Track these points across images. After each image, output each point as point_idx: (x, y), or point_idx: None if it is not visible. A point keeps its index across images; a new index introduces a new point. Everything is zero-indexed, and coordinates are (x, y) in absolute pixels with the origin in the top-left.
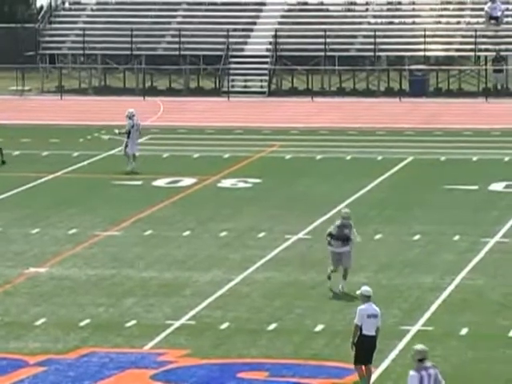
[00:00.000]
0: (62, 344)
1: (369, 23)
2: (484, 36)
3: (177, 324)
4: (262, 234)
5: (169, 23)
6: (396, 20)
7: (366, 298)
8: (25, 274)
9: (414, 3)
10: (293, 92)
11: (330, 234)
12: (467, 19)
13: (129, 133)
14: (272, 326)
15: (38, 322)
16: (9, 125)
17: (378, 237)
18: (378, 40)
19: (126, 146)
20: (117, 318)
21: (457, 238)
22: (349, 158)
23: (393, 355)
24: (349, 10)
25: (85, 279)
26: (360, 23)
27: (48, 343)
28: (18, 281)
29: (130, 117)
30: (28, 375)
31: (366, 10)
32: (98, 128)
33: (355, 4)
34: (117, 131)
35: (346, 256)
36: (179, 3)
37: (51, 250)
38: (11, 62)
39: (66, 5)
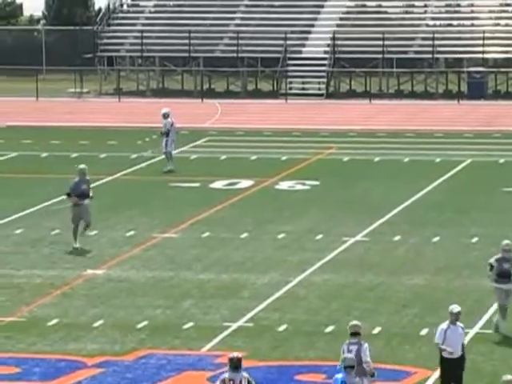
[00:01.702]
0: (119, 346)
1: (427, 25)
2: None
3: (234, 326)
4: (319, 236)
5: (227, 25)
6: (454, 22)
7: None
8: (83, 275)
9: (472, 5)
10: (351, 94)
11: (491, 266)
12: None
13: (167, 132)
14: (329, 329)
15: (96, 324)
16: (67, 127)
17: (435, 239)
18: (436, 42)
19: (166, 145)
20: (174, 320)
21: None
22: (407, 160)
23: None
24: (407, 12)
25: (143, 281)
26: (418, 25)
27: (106, 345)
28: (76, 282)
29: (166, 116)
30: (86, 377)
31: (425, 12)
32: (156, 130)
33: (413, 6)
34: (154, 136)
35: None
36: (237, 5)
37: (109, 251)
38: (70, 64)
39: (125, 7)
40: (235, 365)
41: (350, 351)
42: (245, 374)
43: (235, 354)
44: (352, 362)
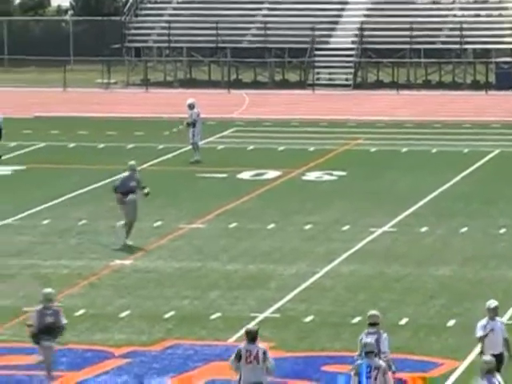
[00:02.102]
0: (146, 336)
1: (455, 15)
2: None
3: (261, 317)
4: (346, 227)
5: (254, 16)
6: (483, 12)
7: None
8: (110, 266)
9: None
10: (378, 85)
11: None
12: None
13: (194, 123)
14: (356, 320)
15: (123, 314)
16: (94, 117)
17: (463, 230)
18: (464, 33)
19: (193, 135)
20: (201, 310)
21: None
22: (434, 151)
23: (478, 350)
24: (435, 2)
25: (170, 272)
26: (446, 16)
27: (133, 335)
28: (103, 273)
29: (192, 107)
30: (113, 367)
31: (453, 2)
32: (182, 120)
33: None
34: (180, 127)
35: None
36: None
37: (136, 242)
38: (97, 54)
39: None
40: (252, 337)
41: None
42: (261, 346)
43: (252, 327)
44: (372, 348)
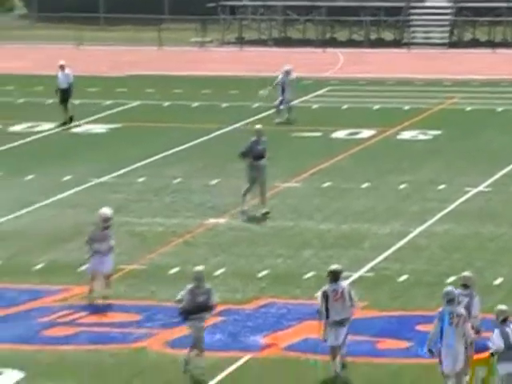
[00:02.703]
0: (240, 294)
1: None
2: None
3: (355, 276)
4: (441, 187)
5: None
6: None
7: None
8: (204, 224)
9: None
10: (474, 43)
11: None
12: None
13: (287, 84)
14: (451, 279)
15: (217, 272)
16: (189, 76)
17: None
18: None
19: (286, 95)
20: (295, 269)
21: None
22: None
23: None
24: None
25: (264, 230)
26: None
27: (227, 293)
28: (197, 231)
29: (288, 73)
30: (207, 325)
31: None
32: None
33: None
34: (268, 89)
35: None
36: None
37: (230, 200)
38: (192, 13)
39: None
40: (336, 276)
41: (459, 303)
42: (343, 284)
43: (335, 267)
44: (453, 295)
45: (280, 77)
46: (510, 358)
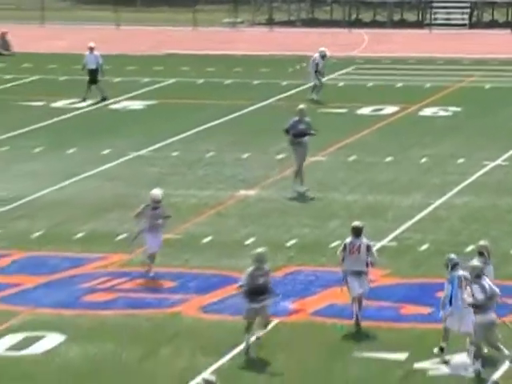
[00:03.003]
0: (269, 262)
1: None
2: None
3: (378, 245)
4: (461, 161)
5: None
6: None
7: None
8: (235, 196)
9: None
10: (493, 24)
11: None
12: None
13: (316, 69)
14: (469, 248)
15: (248, 242)
16: (222, 55)
17: None
18: None
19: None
20: (322, 238)
21: None
22: None
23: None
24: None
25: (292, 202)
26: None
27: None
28: (229, 202)
29: (322, 57)
30: (237, 292)
31: None
32: (306, 58)
33: None
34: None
35: None
36: None
37: (260, 173)
38: None
39: None
40: (357, 232)
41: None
42: (364, 240)
43: (358, 223)
44: (456, 260)
45: (316, 56)
46: (490, 307)
